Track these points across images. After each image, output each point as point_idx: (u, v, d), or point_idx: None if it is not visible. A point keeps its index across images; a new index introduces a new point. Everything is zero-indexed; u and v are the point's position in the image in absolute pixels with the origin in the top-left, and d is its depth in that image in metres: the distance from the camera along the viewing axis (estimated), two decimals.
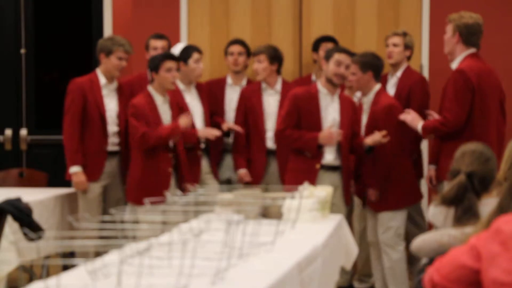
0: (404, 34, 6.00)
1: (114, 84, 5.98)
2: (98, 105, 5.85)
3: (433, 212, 3.79)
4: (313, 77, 6.35)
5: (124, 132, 5.90)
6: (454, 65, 5.38)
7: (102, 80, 5.92)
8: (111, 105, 5.93)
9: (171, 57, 5.59)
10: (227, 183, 6.13)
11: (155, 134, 5.46)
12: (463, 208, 3.62)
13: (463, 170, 3.65)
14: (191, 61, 5.93)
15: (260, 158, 6.12)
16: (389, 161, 5.47)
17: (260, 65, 6.07)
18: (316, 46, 6.36)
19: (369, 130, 5.50)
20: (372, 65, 5.53)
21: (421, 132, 5.43)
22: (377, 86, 5.56)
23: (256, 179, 6.09)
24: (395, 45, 5.98)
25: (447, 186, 3.79)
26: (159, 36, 6.22)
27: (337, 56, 5.42)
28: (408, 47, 6.01)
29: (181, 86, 5.96)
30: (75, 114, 5.81)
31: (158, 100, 5.55)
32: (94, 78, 5.92)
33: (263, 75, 6.08)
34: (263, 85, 6.14)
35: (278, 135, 5.57)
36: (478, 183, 3.65)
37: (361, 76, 5.52)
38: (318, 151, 5.43)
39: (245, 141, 6.14)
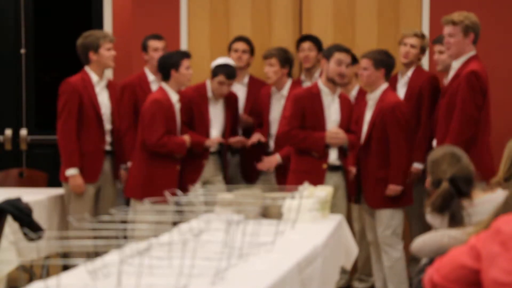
0: (423, 36, 5.96)
1: (105, 81, 5.94)
2: (94, 103, 5.79)
3: (430, 215, 3.82)
4: (302, 77, 6.32)
5: (117, 131, 5.89)
6: (457, 64, 5.24)
7: (94, 77, 5.86)
8: (104, 103, 5.88)
9: (189, 55, 5.71)
10: (230, 182, 6.12)
11: (170, 147, 5.53)
12: (451, 214, 3.67)
13: (444, 177, 3.69)
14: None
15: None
16: (406, 154, 5.40)
17: (271, 68, 5.98)
18: (297, 46, 6.33)
19: (375, 127, 5.45)
20: (386, 63, 5.48)
21: None
22: (385, 85, 5.52)
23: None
24: (412, 46, 5.91)
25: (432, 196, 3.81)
26: (159, 37, 6.22)
27: (337, 55, 5.41)
28: (423, 50, 5.98)
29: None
30: (71, 115, 5.72)
31: (173, 98, 5.59)
32: (86, 77, 5.84)
33: (274, 78, 6.00)
34: (273, 89, 6.09)
35: (284, 136, 5.55)
36: (463, 183, 3.69)
37: (373, 72, 5.46)
38: (325, 151, 5.43)
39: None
